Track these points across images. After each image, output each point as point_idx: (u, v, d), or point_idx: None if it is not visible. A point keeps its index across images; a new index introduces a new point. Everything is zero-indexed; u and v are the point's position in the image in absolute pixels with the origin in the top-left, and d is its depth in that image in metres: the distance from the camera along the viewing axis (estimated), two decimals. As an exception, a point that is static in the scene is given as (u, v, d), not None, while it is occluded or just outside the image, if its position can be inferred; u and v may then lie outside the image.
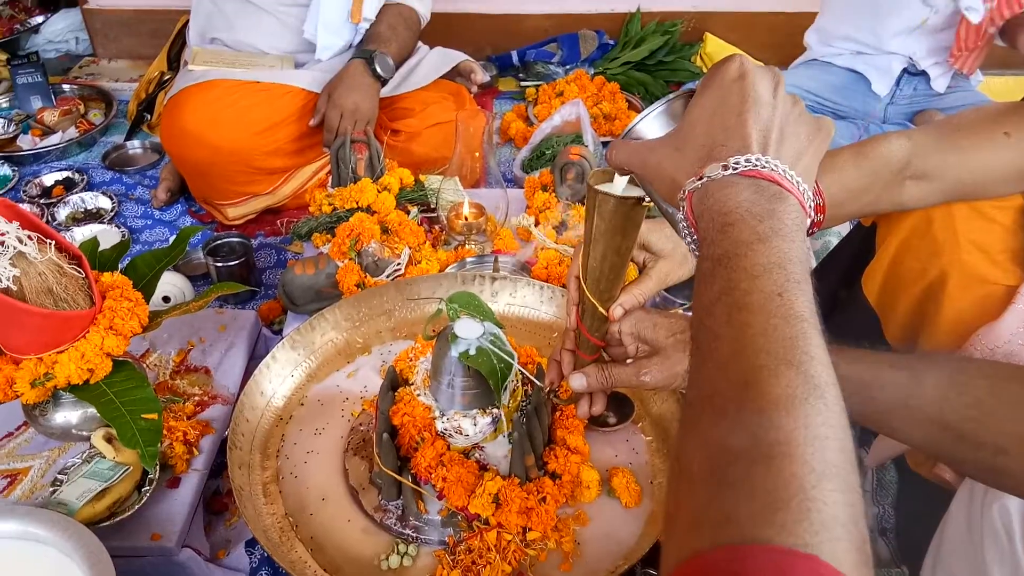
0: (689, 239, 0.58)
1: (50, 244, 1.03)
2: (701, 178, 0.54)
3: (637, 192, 0.75)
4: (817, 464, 0.41)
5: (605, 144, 2.01)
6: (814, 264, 1.43)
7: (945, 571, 0.89)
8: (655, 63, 2.46)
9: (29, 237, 1.01)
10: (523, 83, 2.46)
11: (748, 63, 0.59)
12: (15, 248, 0.99)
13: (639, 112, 2.21)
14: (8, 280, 0.98)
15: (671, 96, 0.65)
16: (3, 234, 0.98)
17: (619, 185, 0.75)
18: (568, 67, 2.46)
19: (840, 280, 1.25)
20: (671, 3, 2.54)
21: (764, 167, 0.54)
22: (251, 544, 1.16)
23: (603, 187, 0.74)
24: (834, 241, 1.82)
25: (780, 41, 2.46)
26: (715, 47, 2.50)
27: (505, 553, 0.91)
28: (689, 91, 0.63)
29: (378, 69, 1.75)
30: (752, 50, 2.49)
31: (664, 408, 1.08)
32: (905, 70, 2.00)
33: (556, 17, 2.58)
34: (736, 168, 0.53)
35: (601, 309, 0.82)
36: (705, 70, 2.44)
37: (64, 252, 1.07)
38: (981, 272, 0.98)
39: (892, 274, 1.11)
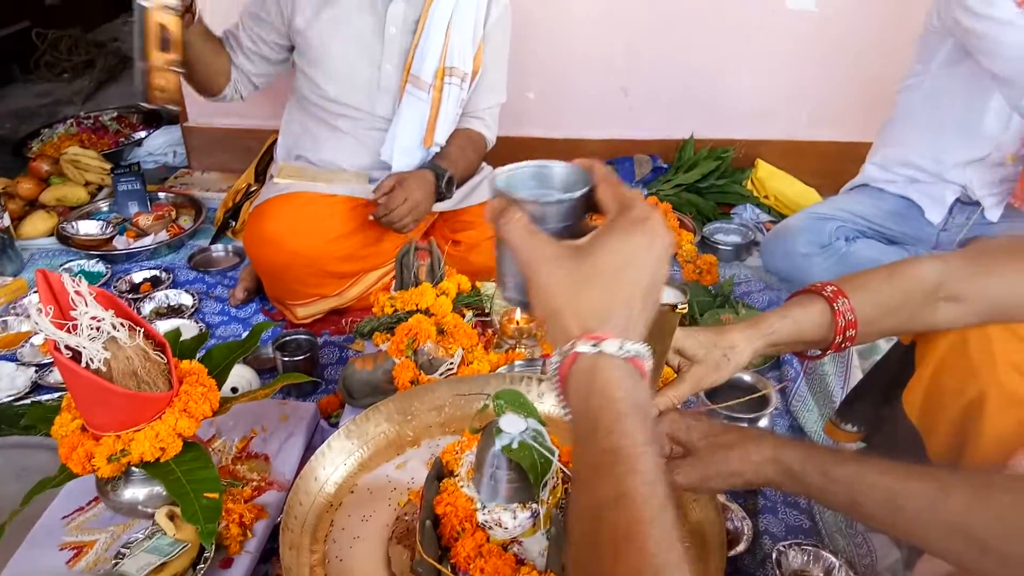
0: (560, 394, 0.58)
1: (139, 331, 1.14)
2: (596, 344, 0.55)
3: (673, 299, 0.81)
4: None
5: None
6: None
7: None
8: (707, 185, 2.57)
9: (122, 324, 1.12)
10: (580, 201, 2.58)
11: (667, 236, 0.60)
12: (108, 333, 1.10)
13: (691, 231, 2.30)
14: (100, 362, 1.09)
15: (547, 164, 0.65)
16: (100, 320, 1.10)
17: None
18: (623, 188, 2.58)
19: (882, 398, 1.27)
20: (724, 131, 2.68)
21: (642, 357, 0.56)
22: (294, 629, 1.19)
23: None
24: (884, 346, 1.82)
25: (830, 168, 2.54)
26: (766, 172, 2.59)
27: (538, 648, 0.92)
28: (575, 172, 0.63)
29: (442, 186, 1.89)
30: (803, 175, 2.58)
31: (702, 515, 1.10)
32: (958, 199, 2.03)
33: (614, 143, 2.73)
34: (627, 353, 0.55)
35: (636, 408, 0.87)
36: (756, 193, 2.55)
37: (150, 339, 1.18)
38: (1020, 394, 1.00)
39: (932, 393, 1.13)
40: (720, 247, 2.30)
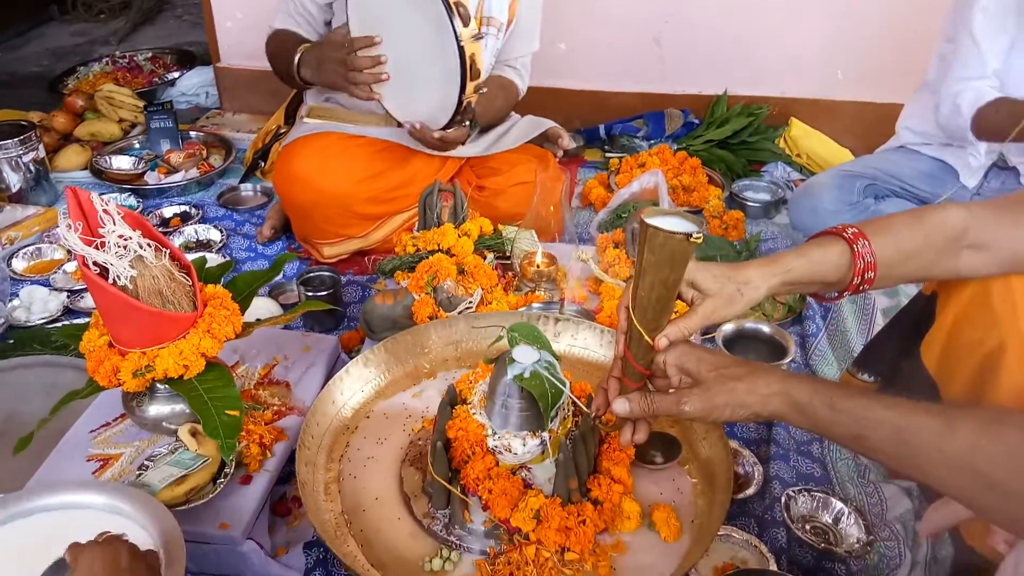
0: None
1: (165, 252, 1.17)
2: None
3: (686, 228, 0.81)
4: None
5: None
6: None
7: (985, 637, 0.87)
8: (738, 142, 2.53)
9: (148, 244, 1.15)
10: (607, 154, 2.57)
11: None
12: (135, 252, 1.13)
13: (719, 187, 2.28)
14: (127, 279, 1.12)
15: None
16: (127, 239, 1.12)
17: (670, 221, 0.82)
18: (652, 142, 2.56)
19: (900, 348, 1.26)
20: (758, 88, 2.63)
21: None
22: (309, 547, 1.23)
23: (654, 221, 0.81)
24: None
25: (865, 129, 2.49)
26: (799, 131, 2.55)
27: (542, 569, 0.95)
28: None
29: (471, 121, 1.89)
30: (837, 135, 2.53)
31: (712, 452, 1.11)
32: (994, 164, 1.99)
33: (645, 96, 2.70)
34: None
35: (647, 338, 0.88)
36: (788, 152, 2.51)
37: (176, 262, 1.20)
38: (1040, 344, 0.99)
39: (951, 343, 1.12)
40: (748, 204, 2.28)
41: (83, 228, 1.12)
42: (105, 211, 1.13)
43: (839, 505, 1.28)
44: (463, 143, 1.90)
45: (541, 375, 0.99)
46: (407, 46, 1.69)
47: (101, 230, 1.12)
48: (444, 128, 1.80)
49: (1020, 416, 0.76)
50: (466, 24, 1.61)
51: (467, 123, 1.84)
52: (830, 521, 1.28)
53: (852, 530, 1.26)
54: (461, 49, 1.61)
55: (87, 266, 1.11)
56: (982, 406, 0.95)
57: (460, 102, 1.71)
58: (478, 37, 1.67)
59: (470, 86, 1.68)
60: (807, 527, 1.27)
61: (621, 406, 0.90)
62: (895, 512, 1.27)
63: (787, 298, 1.78)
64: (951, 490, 0.77)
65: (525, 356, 1.01)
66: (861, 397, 0.79)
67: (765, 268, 0.93)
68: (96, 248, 1.11)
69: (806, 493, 1.30)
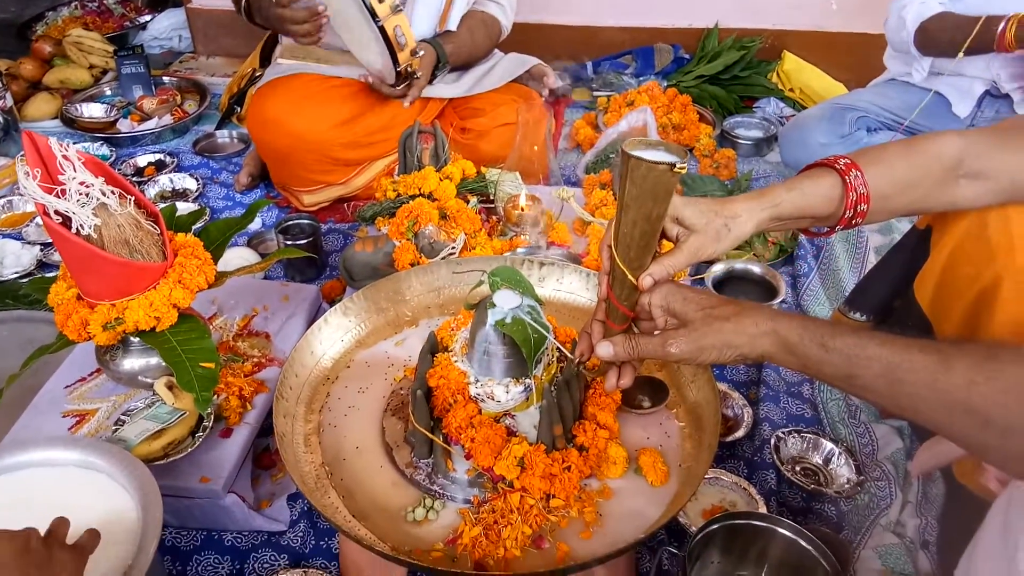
0: None
1: (130, 200, 1.12)
2: None
3: (670, 158, 0.77)
4: None
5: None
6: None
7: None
8: (730, 77, 2.46)
9: (112, 191, 1.10)
10: (595, 93, 2.50)
11: None
12: (98, 199, 1.08)
13: (710, 124, 2.22)
14: (90, 228, 1.07)
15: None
16: (89, 186, 1.07)
17: (654, 152, 0.77)
18: (641, 79, 2.48)
19: (893, 286, 1.23)
20: (750, 20, 2.54)
21: None
22: (293, 498, 1.22)
23: (636, 151, 0.76)
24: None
25: (859, 61, 2.41)
26: (793, 65, 2.48)
27: (527, 516, 0.93)
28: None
29: (436, 69, 1.87)
30: (830, 69, 2.46)
31: (700, 396, 1.09)
32: (987, 92, 1.94)
33: (633, 30, 2.61)
34: None
35: (631, 278, 0.84)
36: (781, 86, 2.44)
37: (142, 210, 1.15)
38: (1037, 277, 0.96)
39: (945, 279, 1.09)
40: (740, 141, 2.22)
41: (43, 175, 1.07)
42: (65, 157, 1.08)
43: (829, 446, 1.27)
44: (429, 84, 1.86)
45: (523, 320, 0.96)
46: (345, 6, 1.68)
47: (61, 177, 1.06)
48: (394, 87, 1.81)
49: (1017, 352, 0.73)
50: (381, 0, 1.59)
51: (419, 76, 1.82)
52: (820, 462, 1.27)
53: (842, 471, 1.25)
54: (381, 28, 1.62)
55: (48, 215, 1.06)
56: (978, 342, 0.92)
57: (399, 72, 1.73)
58: (398, 8, 1.65)
59: (402, 56, 1.69)
60: (797, 468, 1.26)
61: (605, 349, 0.87)
62: (886, 452, 1.25)
63: (778, 237, 1.74)
64: (945, 429, 0.74)
65: (506, 301, 0.97)
66: (853, 335, 0.76)
67: (753, 202, 0.89)
68: (57, 196, 1.06)
69: (796, 434, 1.29)
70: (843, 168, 0.91)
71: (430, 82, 1.89)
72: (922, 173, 0.95)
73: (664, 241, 0.89)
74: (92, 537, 0.86)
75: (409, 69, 1.74)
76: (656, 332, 0.86)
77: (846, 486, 1.22)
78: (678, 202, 0.85)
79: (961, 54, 1.72)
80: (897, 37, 1.88)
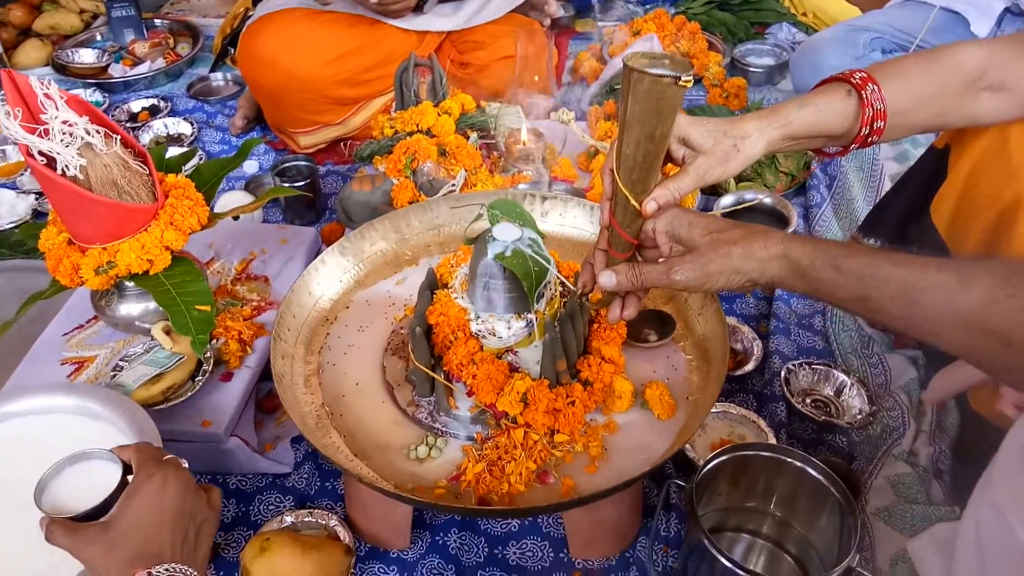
0: None
1: (116, 139, 1.08)
2: None
3: (675, 72, 0.72)
4: None
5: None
6: None
7: (993, 500, 0.84)
8: (740, 3, 2.36)
9: (97, 131, 1.06)
10: (600, 23, 2.41)
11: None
12: (82, 139, 1.04)
13: (719, 53, 2.14)
14: (76, 169, 1.04)
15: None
16: (72, 125, 1.03)
17: (657, 67, 0.73)
18: (648, 7, 2.40)
19: (909, 209, 1.18)
20: (761, -60, 2.43)
21: None
22: (297, 440, 1.21)
23: (638, 65, 0.72)
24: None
25: (876, -18, 2.31)
26: (805, -12, 2.38)
27: (531, 452, 0.91)
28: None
29: None
30: (846, -9, 2.36)
31: (707, 328, 1.05)
32: (1007, 9, 1.85)
33: (638, -44, 2.50)
34: None
35: (634, 202, 0.80)
36: (793, 11, 2.35)
37: (130, 150, 1.12)
38: (1060, 197, 0.91)
39: (964, 200, 1.05)
40: (751, 70, 2.14)
41: (24, 115, 1.03)
42: (46, 95, 1.04)
43: (841, 377, 1.24)
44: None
45: (524, 253, 0.92)
46: None
47: (43, 116, 1.03)
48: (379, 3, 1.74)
49: (1041, 268, 0.69)
50: None
51: None
52: (831, 394, 1.25)
53: (854, 402, 1.22)
54: None
55: (32, 156, 1.03)
56: (999, 259, 0.87)
57: None
58: None
59: None
60: (807, 400, 1.24)
61: (607, 279, 0.84)
62: (899, 382, 1.22)
63: (790, 164, 1.69)
64: (964, 351, 0.71)
65: (506, 234, 0.94)
66: (867, 255, 0.72)
67: (764, 120, 0.84)
68: (40, 136, 1.03)
69: (807, 366, 1.26)
70: (859, 82, 0.86)
71: (420, 8, 1.82)
72: (942, 86, 0.90)
73: (669, 164, 0.85)
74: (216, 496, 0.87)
75: None
76: (661, 260, 0.83)
77: (858, 417, 1.19)
78: (684, 122, 0.80)
79: None
80: None
